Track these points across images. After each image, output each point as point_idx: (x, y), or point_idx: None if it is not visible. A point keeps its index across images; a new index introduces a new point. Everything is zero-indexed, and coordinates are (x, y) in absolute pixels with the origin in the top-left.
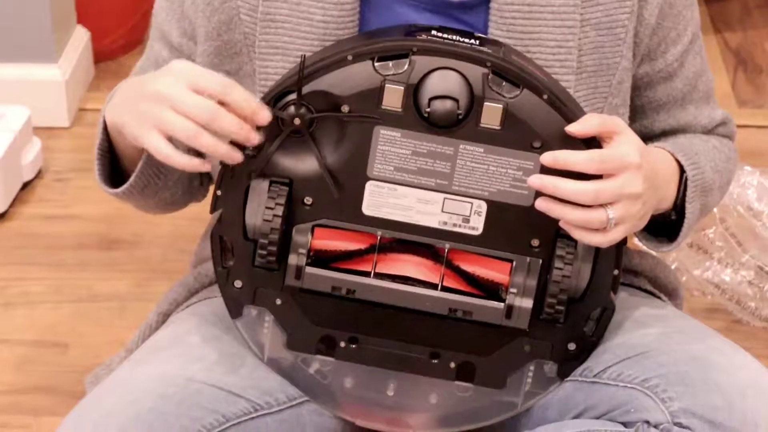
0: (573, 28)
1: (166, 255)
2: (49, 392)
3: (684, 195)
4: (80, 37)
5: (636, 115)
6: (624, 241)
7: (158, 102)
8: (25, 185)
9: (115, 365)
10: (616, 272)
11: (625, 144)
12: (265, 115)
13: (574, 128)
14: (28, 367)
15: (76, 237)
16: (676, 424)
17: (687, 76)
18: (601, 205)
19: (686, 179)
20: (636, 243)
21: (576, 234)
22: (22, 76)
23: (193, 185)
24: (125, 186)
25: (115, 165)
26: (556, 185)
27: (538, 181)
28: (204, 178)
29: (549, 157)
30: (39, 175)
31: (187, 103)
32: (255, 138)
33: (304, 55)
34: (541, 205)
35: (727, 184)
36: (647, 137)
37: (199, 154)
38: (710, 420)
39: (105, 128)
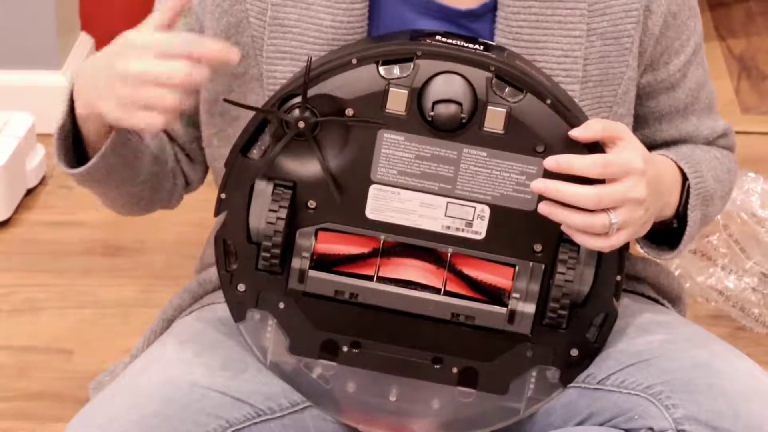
0: (579, 38)
1: (170, 261)
2: (54, 398)
3: (686, 203)
4: (84, 44)
5: (638, 125)
6: (626, 247)
7: (138, 83)
8: (29, 192)
9: (119, 372)
10: (618, 278)
11: (629, 149)
12: (236, 53)
13: (578, 133)
14: (32, 373)
15: (80, 243)
16: (680, 431)
17: (689, 86)
18: (604, 210)
19: (689, 187)
20: (639, 250)
21: (578, 238)
22: (26, 83)
23: (165, 186)
24: (86, 166)
25: (80, 149)
26: (559, 189)
27: (540, 185)
28: (178, 178)
29: (552, 161)
30: (43, 181)
31: (164, 73)
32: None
33: (311, 58)
34: (543, 209)
35: (728, 195)
36: (649, 147)
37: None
38: (714, 426)
39: (71, 112)
